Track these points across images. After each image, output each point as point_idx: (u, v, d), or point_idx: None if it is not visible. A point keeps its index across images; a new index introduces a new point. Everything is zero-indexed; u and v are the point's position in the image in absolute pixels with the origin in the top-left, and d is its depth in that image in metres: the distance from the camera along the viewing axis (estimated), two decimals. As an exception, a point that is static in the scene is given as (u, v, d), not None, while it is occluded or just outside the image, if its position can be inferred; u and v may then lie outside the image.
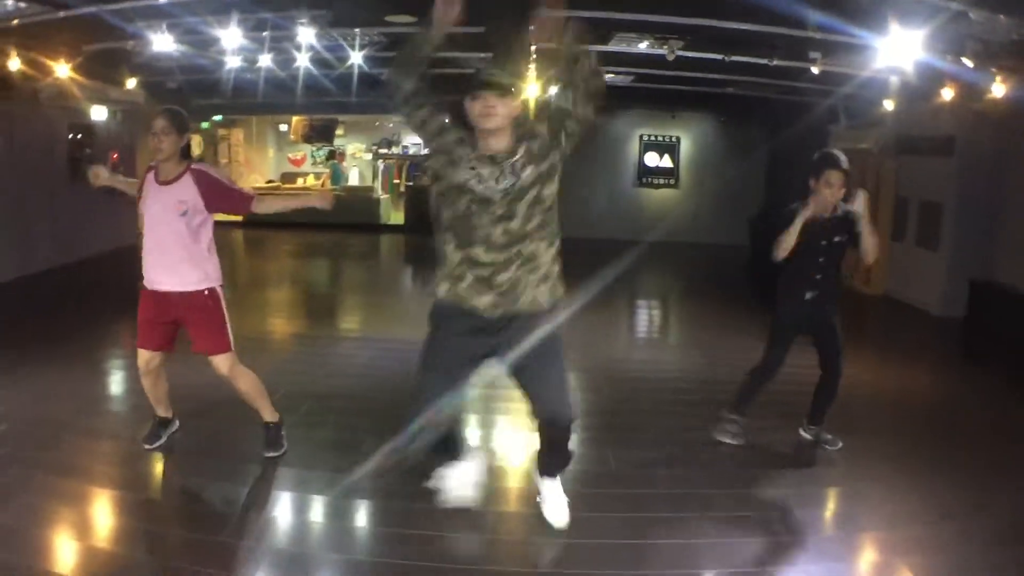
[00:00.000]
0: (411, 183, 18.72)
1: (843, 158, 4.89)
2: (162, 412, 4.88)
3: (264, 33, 7.84)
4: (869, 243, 4.87)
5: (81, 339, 7.36)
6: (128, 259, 12.33)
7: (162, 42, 7.50)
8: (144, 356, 4.61)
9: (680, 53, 8.18)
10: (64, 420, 5.27)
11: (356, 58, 8.72)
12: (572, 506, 4.09)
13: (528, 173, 3.32)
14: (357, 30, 7.97)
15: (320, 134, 18.93)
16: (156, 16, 7.12)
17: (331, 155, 19.75)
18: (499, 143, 3.32)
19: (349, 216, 16.94)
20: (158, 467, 4.76)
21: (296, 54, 8.67)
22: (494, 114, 3.23)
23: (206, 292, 4.54)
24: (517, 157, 3.31)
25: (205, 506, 4.29)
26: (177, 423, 5.01)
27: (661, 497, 4.53)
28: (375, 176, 20.07)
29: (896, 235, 11.18)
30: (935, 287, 10.19)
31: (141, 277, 4.58)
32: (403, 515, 4.16)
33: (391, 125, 20.84)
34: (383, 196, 18.23)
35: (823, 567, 3.83)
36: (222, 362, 4.60)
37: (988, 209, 9.67)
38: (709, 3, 6.53)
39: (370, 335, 8.60)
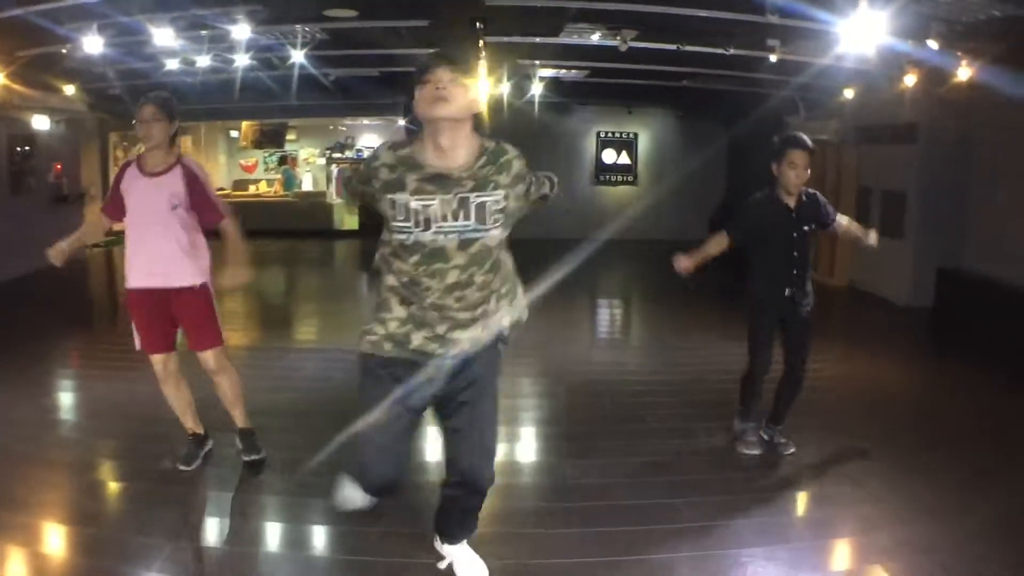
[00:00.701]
0: (366, 187, 18.39)
1: (806, 138, 4.68)
2: (192, 426, 4.70)
3: (202, 32, 7.52)
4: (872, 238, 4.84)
5: (20, 360, 6.94)
6: (75, 273, 12.03)
7: (92, 44, 7.11)
8: (157, 360, 4.47)
9: (633, 44, 7.98)
10: (2, 447, 4.92)
11: (297, 57, 8.38)
12: (533, 522, 3.86)
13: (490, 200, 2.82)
14: (297, 27, 7.64)
15: (270, 139, 18.52)
16: (85, 17, 6.77)
17: (283, 160, 19.33)
18: (451, 153, 2.80)
19: (302, 222, 16.66)
20: (97, 496, 4.44)
21: (235, 55, 8.32)
22: (446, 96, 2.66)
23: (199, 287, 4.41)
24: (474, 173, 2.82)
25: (147, 539, 3.90)
26: (211, 442, 4.81)
27: (624, 509, 4.28)
28: (329, 181, 19.69)
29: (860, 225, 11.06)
30: (901, 277, 10.07)
31: (124, 279, 4.42)
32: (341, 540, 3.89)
33: (344, 128, 20.50)
34: (337, 201, 17.88)
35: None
36: (212, 356, 4.50)
37: (953, 196, 9.56)
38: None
39: (320, 345, 8.31)
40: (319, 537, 4.02)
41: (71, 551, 3.79)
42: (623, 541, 3.91)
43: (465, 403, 3.03)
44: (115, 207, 4.40)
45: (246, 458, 4.69)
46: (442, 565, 3.54)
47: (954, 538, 3.92)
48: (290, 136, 19.16)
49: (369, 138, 20.60)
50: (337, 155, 19.86)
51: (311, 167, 20.35)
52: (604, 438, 5.33)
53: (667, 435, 5.34)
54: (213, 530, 4.10)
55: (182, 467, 4.56)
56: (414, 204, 2.76)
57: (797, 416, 5.37)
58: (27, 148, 11.58)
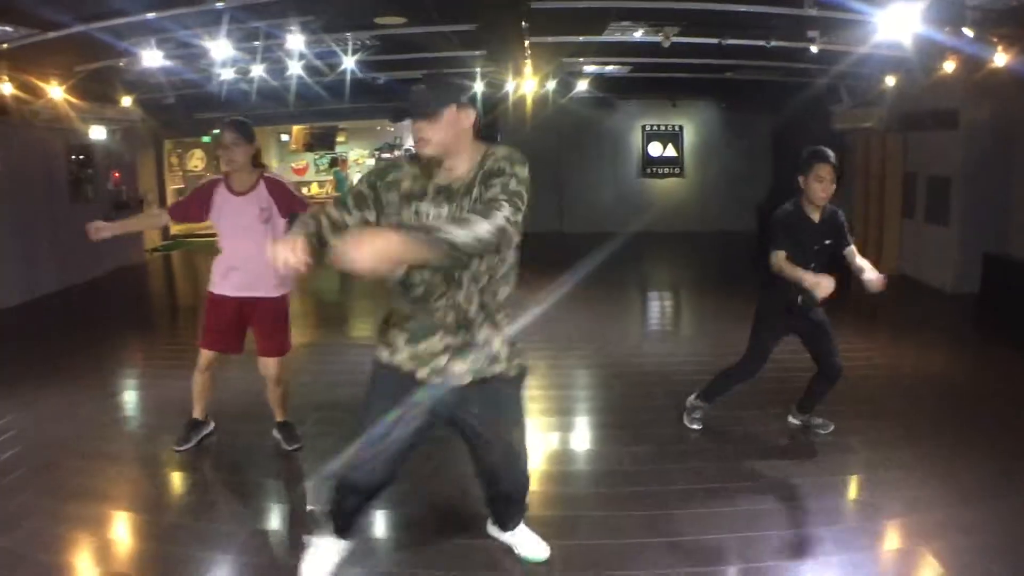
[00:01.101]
0: (415, 185, 18.69)
1: (831, 152, 4.73)
2: (198, 413, 5.04)
3: (255, 43, 7.78)
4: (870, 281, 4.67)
5: (88, 361, 7.29)
6: (133, 278, 12.46)
7: (151, 57, 7.43)
8: (208, 356, 4.85)
9: (675, 39, 8.08)
10: (76, 442, 5.24)
11: (348, 63, 8.63)
12: (590, 505, 4.06)
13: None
14: (348, 35, 7.88)
15: (321, 142, 18.91)
16: (145, 31, 7.06)
17: (333, 162, 19.70)
18: (456, 170, 2.96)
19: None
20: (166, 487, 4.72)
21: (288, 62, 8.59)
22: (425, 139, 2.87)
23: (280, 297, 4.84)
24: (469, 185, 2.93)
25: (217, 527, 4.17)
26: (212, 425, 5.17)
27: (678, 493, 4.44)
28: (380, 180, 20.01)
29: (906, 212, 11.06)
30: (947, 264, 10.05)
31: (208, 284, 4.84)
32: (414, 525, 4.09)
33: (391, 129, 20.82)
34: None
35: (845, 557, 3.73)
36: (275, 364, 4.88)
37: (998, 181, 9.52)
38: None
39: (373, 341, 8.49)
40: (381, 521, 4.21)
41: (145, 539, 4.04)
42: (677, 523, 4.07)
43: (486, 421, 3.21)
44: (186, 210, 4.89)
45: (290, 446, 5.02)
46: (512, 546, 3.77)
47: (995, 520, 4.02)
48: (340, 138, 19.54)
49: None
50: (386, 155, 20.20)
51: (361, 168, 20.72)
52: (657, 426, 5.49)
53: (718, 423, 5.47)
54: (283, 517, 4.31)
55: (175, 448, 4.94)
56: (432, 212, 2.92)
57: (848, 402, 5.58)
58: (84, 157, 11.96)
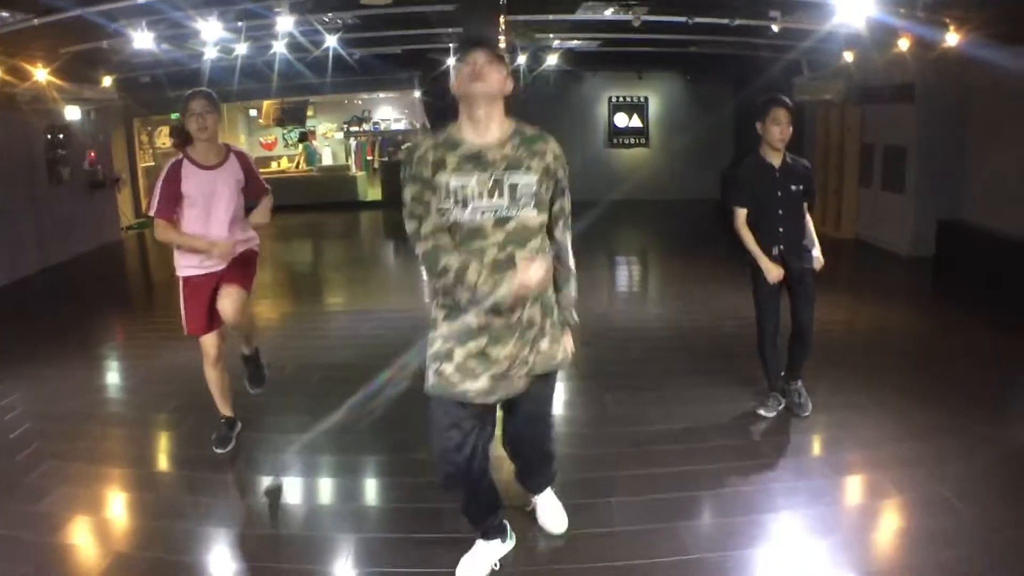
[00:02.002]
0: (385, 159, 18.90)
1: (785, 97, 4.84)
2: (227, 411, 4.87)
3: (240, 23, 8.00)
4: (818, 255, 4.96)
5: (79, 336, 7.53)
6: (113, 255, 12.63)
7: (142, 39, 7.66)
8: (209, 341, 4.63)
9: (644, 17, 8.46)
10: (84, 412, 5.52)
11: (331, 41, 8.90)
12: (578, 445, 4.55)
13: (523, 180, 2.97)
14: (331, 14, 8.16)
15: (291, 116, 18.95)
16: (139, 14, 7.28)
17: (303, 137, 19.81)
18: (488, 130, 2.97)
19: (326, 195, 17.14)
20: (180, 447, 5.04)
21: (273, 42, 8.84)
22: (485, 75, 2.84)
23: (254, 250, 4.74)
24: (508, 153, 2.97)
25: (238, 475, 4.58)
26: (240, 425, 4.97)
27: (658, 433, 4.93)
28: (348, 154, 20.16)
29: (863, 180, 11.59)
30: (904, 228, 10.59)
31: (174, 268, 4.64)
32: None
33: (360, 102, 20.92)
34: (358, 173, 18.37)
35: (812, 483, 4.25)
36: (237, 294, 4.50)
37: (951, 150, 10.04)
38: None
39: (366, 308, 8.85)
40: (378, 488, 4.51)
41: (170, 488, 4.43)
42: (661, 456, 4.57)
43: (524, 403, 3.29)
44: (169, 204, 4.44)
45: (254, 389, 5.17)
46: (528, 508, 3.88)
47: (944, 454, 4.53)
48: (309, 112, 19.58)
49: (385, 111, 21.03)
50: (355, 128, 20.31)
51: (330, 141, 20.80)
52: (635, 377, 6.00)
53: (689, 373, 6.02)
54: (284, 486, 4.50)
55: (218, 450, 4.73)
56: (453, 183, 2.90)
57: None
58: (61, 137, 11.98)
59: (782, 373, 5.25)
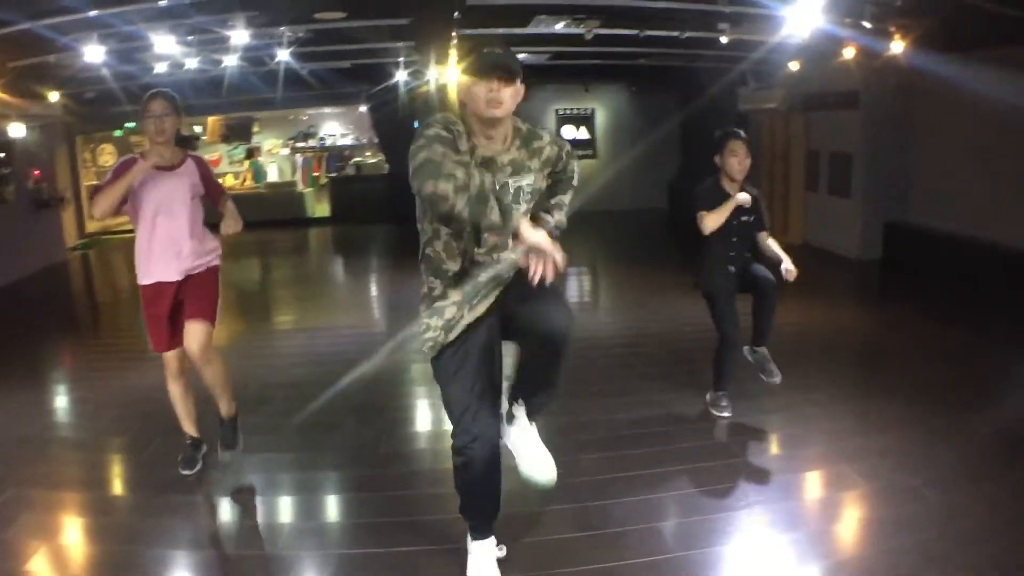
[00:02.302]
0: (333, 174, 18.80)
1: (741, 131, 5.12)
2: (192, 431, 4.66)
3: (190, 37, 7.91)
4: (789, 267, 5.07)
5: (29, 361, 7.29)
6: (59, 276, 12.36)
7: (93, 53, 7.56)
8: (172, 358, 4.46)
9: (596, 31, 8.58)
10: (42, 437, 5.33)
11: (283, 56, 8.87)
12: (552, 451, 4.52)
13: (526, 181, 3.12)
14: (284, 28, 8.14)
15: (237, 133, 18.76)
16: (90, 27, 7.18)
17: (250, 153, 19.61)
18: (497, 140, 3.05)
19: (274, 212, 16.94)
20: (135, 469, 4.87)
21: (224, 56, 8.79)
22: (501, 101, 2.90)
23: (213, 267, 4.51)
24: (513, 157, 3.08)
25: (205, 497, 4.47)
26: (205, 447, 4.74)
27: (626, 438, 5.00)
28: (294, 170, 19.99)
29: (809, 186, 11.89)
30: (851, 232, 10.90)
31: (136, 275, 4.42)
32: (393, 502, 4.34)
33: (305, 118, 20.78)
34: (306, 190, 18.23)
35: (782, 478, 4.39)
36: (203, 333, 4.33)
37: (896, 155, 10.39)
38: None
39: (322, 325, 8.76)
40: (346, 504, 4.43)
41: (134, 513, 4.27)
42: (628, 455, 4.65)
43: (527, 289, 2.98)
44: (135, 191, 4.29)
45: (223, 453, 4.66)
46: (508, 443, 3.45)
47: (910, 444, 4.70)
48: (254, 128, 19.41)
49: (331, 126, 20.92)
50: (300, 144, 20.16)
51: (275, 158, 20.61)
52: (600, 383, 6.07)
53: (647, 377, 6.16)
54: (242, 507, 4.41)
55: (184, 471, 4.55)
56: (503, 180, 3.04)
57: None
58: (3, 156, 11.69)
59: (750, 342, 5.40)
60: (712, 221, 4.93)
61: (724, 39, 8.49)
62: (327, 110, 20.21)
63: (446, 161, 2.77)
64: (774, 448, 4.89)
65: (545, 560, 3.61)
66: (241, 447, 4.72)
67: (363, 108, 17.32)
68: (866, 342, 7.16)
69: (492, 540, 3.45)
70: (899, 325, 7.69)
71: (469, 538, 3.44)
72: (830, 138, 11.27)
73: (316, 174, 19.68)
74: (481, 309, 3.15)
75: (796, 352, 6.66)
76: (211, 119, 18.22)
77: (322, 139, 20.25)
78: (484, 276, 3.11)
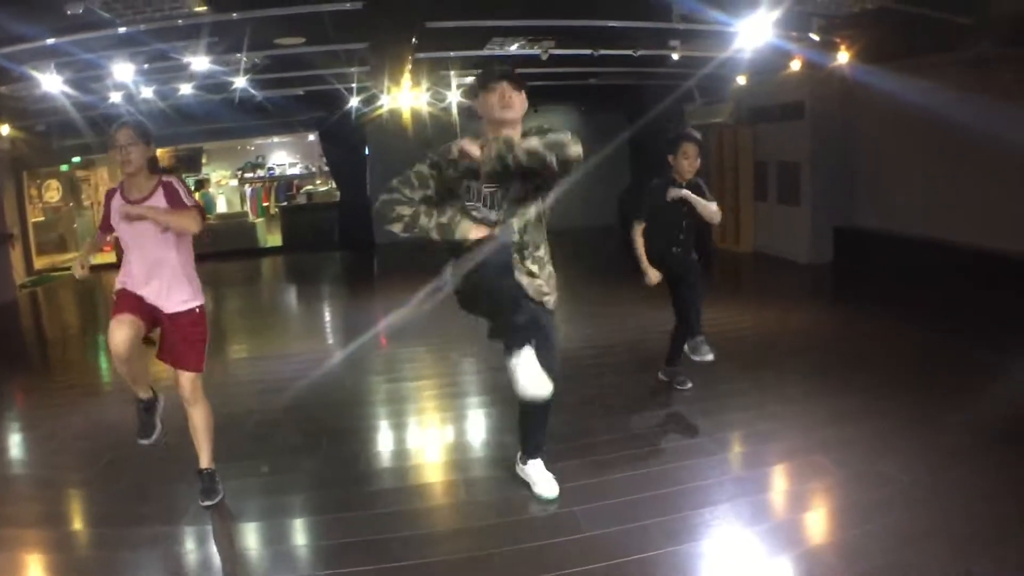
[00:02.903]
0: (284, 203, 18.72)
1: (695, 132, 5.58)
2: (143, 393, 4.48)
3: (148, 65, 7.91)
4: (707, 211, 5.51)
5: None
6: (11, 313, 12.05)
7: (50, 82, 7.51)
8: (123, 324, 4.09)
9: (552, 51, 8.75)
10: (5, 474, 5.14)
11: (240, 82, 8.89)
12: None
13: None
14: (242, 55, 8.15)
15: (186, 164, 18.61)
16: (48, 56, 7.14)
17: (200, 184, 19.46)
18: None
19: (225, 243, 16.77)
20: (90, 504, 4.67)
21: (181, 84, 8.78)
22: (512, 103, 3.51)
23: (196, 310, 4.38)
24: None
25: (174, 531, 4.27)
26: (162, 400, 4.61)
27: (605, 442, 5.10)
28: (243, 201, 19.84)
29: (758, 196, 12.21)
30: (801, 238, 11.24)
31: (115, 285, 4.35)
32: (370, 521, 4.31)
33: (252, 148, 20.70)
34: (257, 220, 18.11)
35: (759, 471, 4.54)
36: (190, 381, 4.37)
37: (842, 162, 10.77)
38: (584, 3, 7.13)
39: (283, 352, 8.60)
40: (328, 525, 4.32)
41: (99, 548, 4.10)
42: (603, 463, 4.75)
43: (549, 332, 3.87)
44: (106, 225, 4.35)
45: (203, 502, 4.41)
46: (530, 483, 4.32)
47: (877, 433, 4.90)
48: (203, 160, 19.28)
49: (279, 155, 20.87)
50: (249, 175, 20.06)
51: (224, 189, 20.43)
52: (572, 395, 5.98)
53: (617, 385, 6.30)
54: (203, 535, 4.36)
55: (143, 440, 4.49)
56: (485, 190, 3.59)
57: (731, 359, 6.49)
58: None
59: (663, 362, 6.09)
60: (635, 245, 5.60)
61: (675, 56, 8.72)
62: (275, 139, 20.16)
63: (396, 207, 3.56)
64: (748, 444, 5.02)
65: (542, 564, 3.66)
66: (222, 495, 4.48)
67: (312, 136, 17.31)
68: (827, 342, 7.39)
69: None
70: (855, 324, 7.96)
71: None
72: (777, 148, 11.60)
73: (265, 204, 19.59)
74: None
75: (760, 354, 6.91)
76: (160, 151, 17.99)
77: (270, 169, 20.20)
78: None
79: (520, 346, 3.63)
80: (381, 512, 4.27)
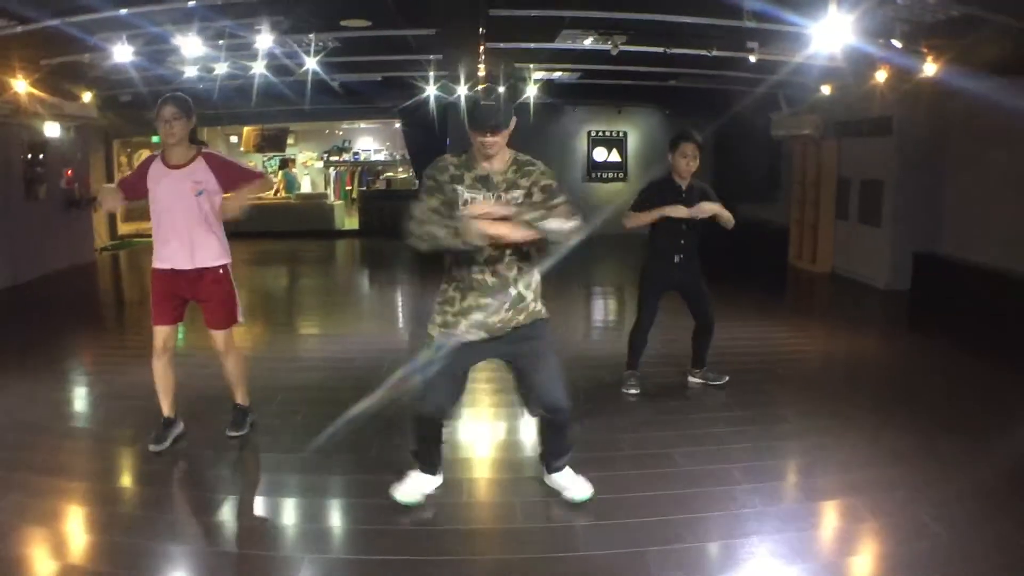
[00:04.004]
0: (364, 188, 18.88)
1: (695, 133, 5.66)
2: (168, 410, 4.95)
3: (220, 41, 7.95)
4: (729, 222, 5.62)
5: (46, 352, 7.36)
6: (87, 274, 12.48)
7: (122, 53, 7.59)
8: (162, 333, 4.81)
9: (623, 48, 8.49)
10: (41, 424, 5.40)
11: (311, 64, 8.87)
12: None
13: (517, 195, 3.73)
14: (312, 35, 8.13)
15: (272, 143, 18.95)
16: (117, 27, 7.19)
17: (283, 164, 19.79)
18: (495, 163, 3.73)
19: (304, 223, 17.07)
20: (141, 462, 4.83)
21: (252, 62, 8.80)
22: (491, 149, 3.65)
23: (220, 269, 4.85)
24: (507, 177, 3.74)
25: (189, 495, 4.46)
26: (182, 426, 5.06)
27: (628, 458, 4.85)
28: (327, 183, 20.14)
29: (840, 214, 11.66)
30: (880, 262, 10.66)
31: (152, 260, 4.86)
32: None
33: (340, 132, 20.97)
34: (336, 203, 18.33)
35: (782, 507, 4.18)
36: (223, 336, 4.93)
37: (928, 184, 10.15)
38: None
39: (334, 332, 8.83)
40: (342, 508, 4.38)
41: (117, 504, 4.25)
42: (631, 482, 4.49)
43: (526, 355, 3.93)
44: (132, 187, 4.79)
45: (229, 432, 5.06)
46: (560, 491, 4.28)
47: (922, 478, 4.51)
48: (289, 140, 19.59)
49: (365, 140, 21.08)
50: (335, 158, 20.33)
51: (309, 170, 20.80)
52: (604, 403, 5.90)
53: (662, 399, 5.98)
54: (244, 505, 4.35)
55: (153, 447, 4.80)
56: (467, 195, 3.71)
57: (783, 383, 6.23)
58: (40, 155, 11.92)
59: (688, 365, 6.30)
60: (632, 221, 5.68)
61: (753, 58, 8.35)
62: (362, 125, 20.40)
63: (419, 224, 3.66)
64: (782, 477, 4.69)
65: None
66: (247, 430, 5.11)
67: (398, 124, 17.38)
68: (888, 372, 6.94)
69: (429, 476, 4.28)
70: (923, 356, 7.47)
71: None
72: (861, 165, 11.06)
73: (348, 188, 19.83)
74: (473, 337, 3.81)
75: (812, 380, 6.54)
76: (247, 129, 18.41)
77: (356, 154, 20.42)
78: (480, 298, 3.79)
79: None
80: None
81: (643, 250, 6.02)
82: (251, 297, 10.97)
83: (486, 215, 3.58)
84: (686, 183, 5.69)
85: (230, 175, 4.80)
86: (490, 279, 3.78)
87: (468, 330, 3.79)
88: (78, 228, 13.41)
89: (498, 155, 3.73)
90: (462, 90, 11.58)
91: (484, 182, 3.73)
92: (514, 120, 3.69)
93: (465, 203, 3.68)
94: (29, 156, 11.72)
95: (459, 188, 3.72)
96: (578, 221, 3.70)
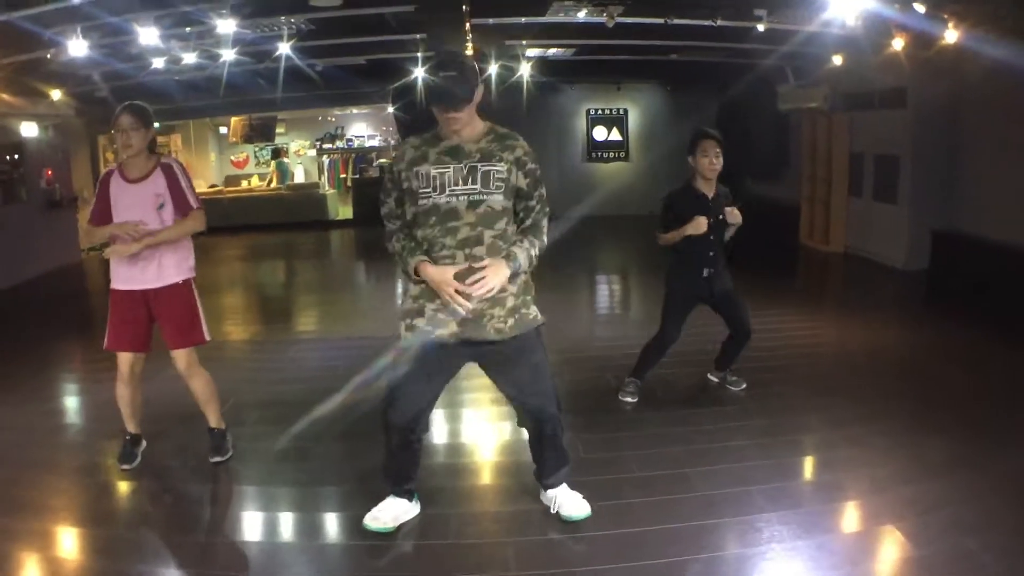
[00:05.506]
0: (357, 176, 18.39)
1: (712, 130, 5.18)
2: (133, 428, 4.76)
3: (186, 29, 7.49)
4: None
5: (27, 365, 6.94)
6: (71, 277, 12.06)
7: (77, 47, 7.09)
8: (127, 359, 4.56)
9: (620, 20, 7.95)
10: (15, 454, 4.93)
11: (284, 49, 8.34)
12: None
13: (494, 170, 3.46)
14: (282, 19, 7.61)
15: (260, 133, 18.46)
16: (70, 19, 6.76)
17: (276, 153, 19.26)
18: (462, 134, 3.45)
19: (296, 214, 16.65)
20: (113, 496, 4.50)
21: (221, 50, 8.29)
22: (455, 125, 3.38)
23: (182, 283, 4.57)
24: (482, 147, 3.47)
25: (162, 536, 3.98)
26: (144, 443, 4.87)
27: (635, 480, 4.32)
28: (320, 172, 19.69)
29: (853, 191, 11.12)
30: (897, 240, 10.15)
31: (109, 280, 4.60)
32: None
33: (333, 119, 20.47)
34: (329, 192, 17.85)
35: (811, 540, 3.62)
36: (182, 358, 4.62)
37: (945, 159, 9.62)
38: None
39: (323, 335, 8.36)
40: (332, 524, 4.05)
41: (86, 553, 3.80)
42: (637, 513, 3.95)
43: (508, 355, 3.62)
44: (102, 215, 4.49)
45: (212, 459, 4.72)
46: (553, 509, 3.92)
47: (965, 493, 3.97)
48: (280, 129, 19.12)
49: (359, 127, 20.57)
50: (328, 146, 19.84)
51: (302, 159, 20.33)
52: (608, 412, 5.41)
53: (672, 406, 5.44)
54: (230, 523, 4.11)
55: (123, 466, 4.64)
56: (433, 172, 3.41)
57: (802, 381, 5.73)
58: (16, 156, 11.49)
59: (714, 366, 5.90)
60: (662, 242, 5.27)
61: (761, 27, 7.78)
62: (355, 111, 19.90)
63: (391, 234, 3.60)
64: (804, 499, 4.11)
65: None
66: (231, 453, 4.80)
67: (390, 109, 16.85)
68: (913, 366, 6.38)
69: (404, 501, 3.92)
70: (949, 346, 6.88)
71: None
72: (875, 139, 10.51)
73: (343, 176, 19.41)
74: (444, 332, 3.50)
75: (832, 378, 6.00)
76: (234, 119, 17.97)
77: (349, 140, 19.94)
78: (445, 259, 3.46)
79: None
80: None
81: (655, 244, 5.44)
82: (238, 297, 10.54)
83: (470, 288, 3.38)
84: (711, 189, 5.18)
85: (177, 196, 4.49)
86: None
87: (438, 323, 3.49)
88: (62, 229, 13.05)
89: (467, 127, 3.45)
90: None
91: (453, 153, 3.45)
92: (480, 91, 3.41)
93: (432, 181, 3.41)
94: (6, 157, 11.31)
95: (421, 169, 3.44)
96: (546, 222, 3.62)
